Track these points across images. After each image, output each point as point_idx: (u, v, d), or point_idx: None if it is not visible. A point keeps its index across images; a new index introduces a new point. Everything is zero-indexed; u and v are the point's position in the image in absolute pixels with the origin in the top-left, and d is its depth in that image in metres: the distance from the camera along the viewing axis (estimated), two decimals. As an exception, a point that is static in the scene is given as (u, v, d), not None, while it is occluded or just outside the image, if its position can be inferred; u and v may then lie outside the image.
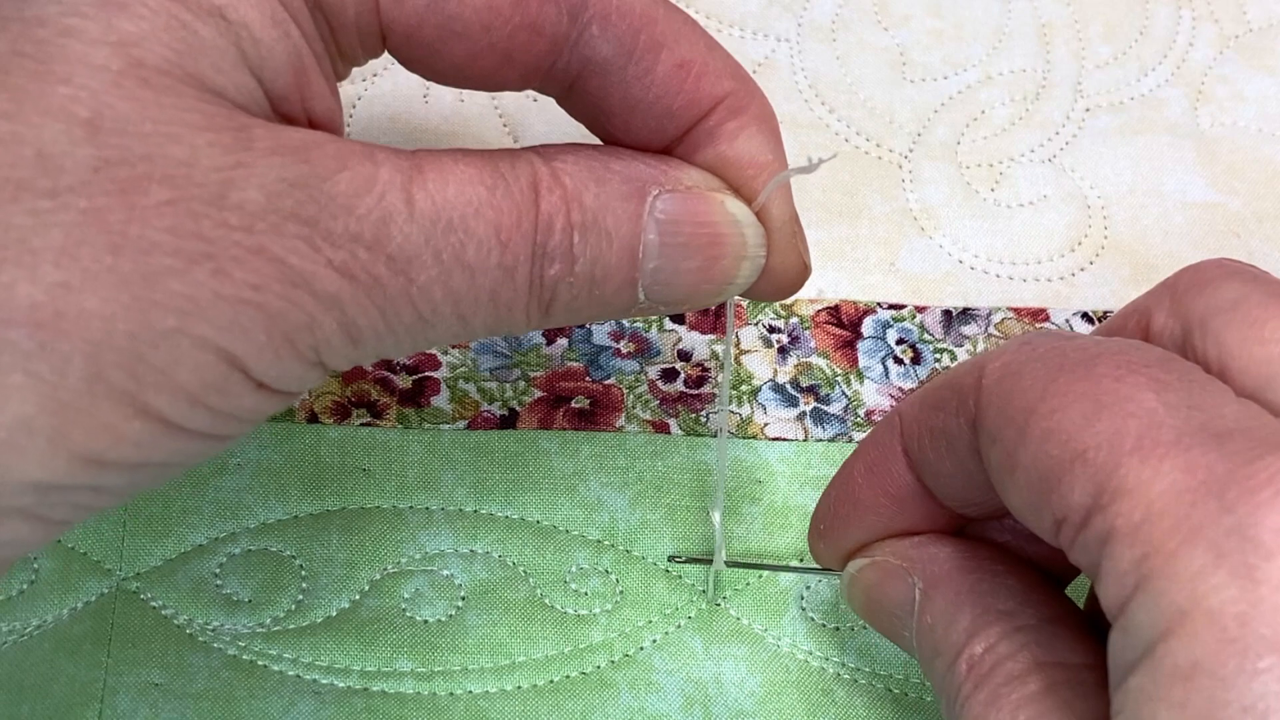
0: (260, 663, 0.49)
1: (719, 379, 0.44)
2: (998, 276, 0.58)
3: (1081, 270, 0.58)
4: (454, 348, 0.54)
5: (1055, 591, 0.42)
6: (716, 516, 0.48)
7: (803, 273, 0.42)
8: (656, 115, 0.40)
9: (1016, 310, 0.57)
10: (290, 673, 0.49)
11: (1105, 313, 0.56)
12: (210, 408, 0.35)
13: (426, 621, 0.50)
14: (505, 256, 0.36)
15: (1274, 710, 0.29)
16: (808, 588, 0.51)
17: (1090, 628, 0.40)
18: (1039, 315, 0.57)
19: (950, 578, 0.43)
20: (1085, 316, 0.57)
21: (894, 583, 0.44)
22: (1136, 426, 0.34)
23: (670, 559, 0.51)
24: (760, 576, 0.51)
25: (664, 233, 0.38)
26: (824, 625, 0.51)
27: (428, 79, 0.40)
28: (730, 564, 0.51)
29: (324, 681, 0.49)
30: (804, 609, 0.51)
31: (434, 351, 0.54)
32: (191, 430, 0.35)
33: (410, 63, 0.39)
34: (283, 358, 0.35)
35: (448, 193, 0.36)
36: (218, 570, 0.50)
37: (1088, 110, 0.62)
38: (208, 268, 0.33)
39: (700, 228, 0.39)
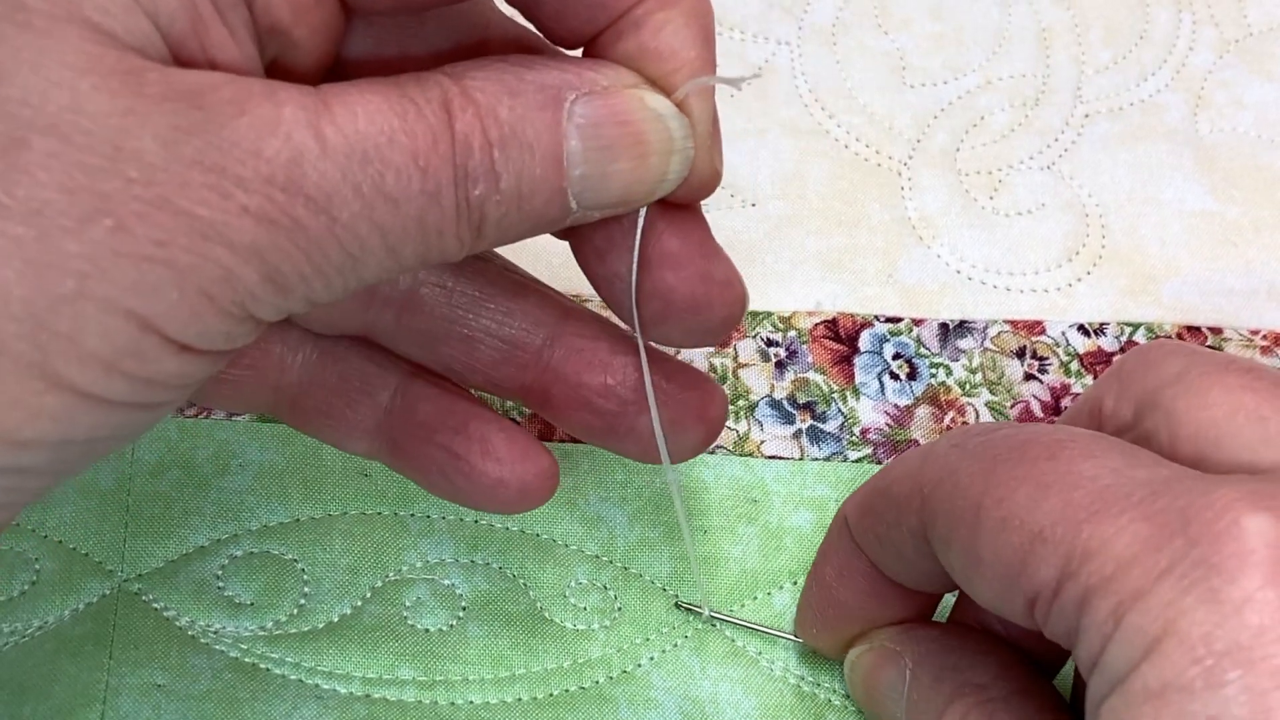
0: (263, 666, 0.49)
1: (639, 344, 0.43)
2: (995, 287, 0.58)
3: (1079, 280, 0.58)
4: None
5: (1029, 669, 0.44)
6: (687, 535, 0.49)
7: (713, 178, 0.40)
8: (588, 4, 0.38)
9: (1013, 323, 0.57)
10: (293, 677, 0.49)
11: (1101, 325, 0.57)
12: (128, 374, 0.33)
13: (428, 630, 0.50)
14: (427, 182, 0.35)
15: None
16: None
17: (1062, 703, 0.43)
18: (1035, 328, 0.57)
19: (933, 656, 0.44)
20: (1081, 329, 0.57)
21: (888, 665, 0.46)
22: (1084, 496, 0.35)
23: (676, 605, 0.51)
24: (755, 598, 0.51)
25: (586, 137, 0.37)
26: (815, 651, 0.50)
27: (383, 10, 0.39)
28: (718, 617, 0.51)
29: (326, 687, 0.49)
30: (797, 634, 0.51)
31: None
32: (113, 400, 0.33)
33: None
34: (202, 315, 0.33)
35: (358, 124, 0.34)
36: (219, 572, 0.50)
37: (1087, 116, 0.62)
38: (105, 224, 0.31)
39: (622, 127, 0.37)
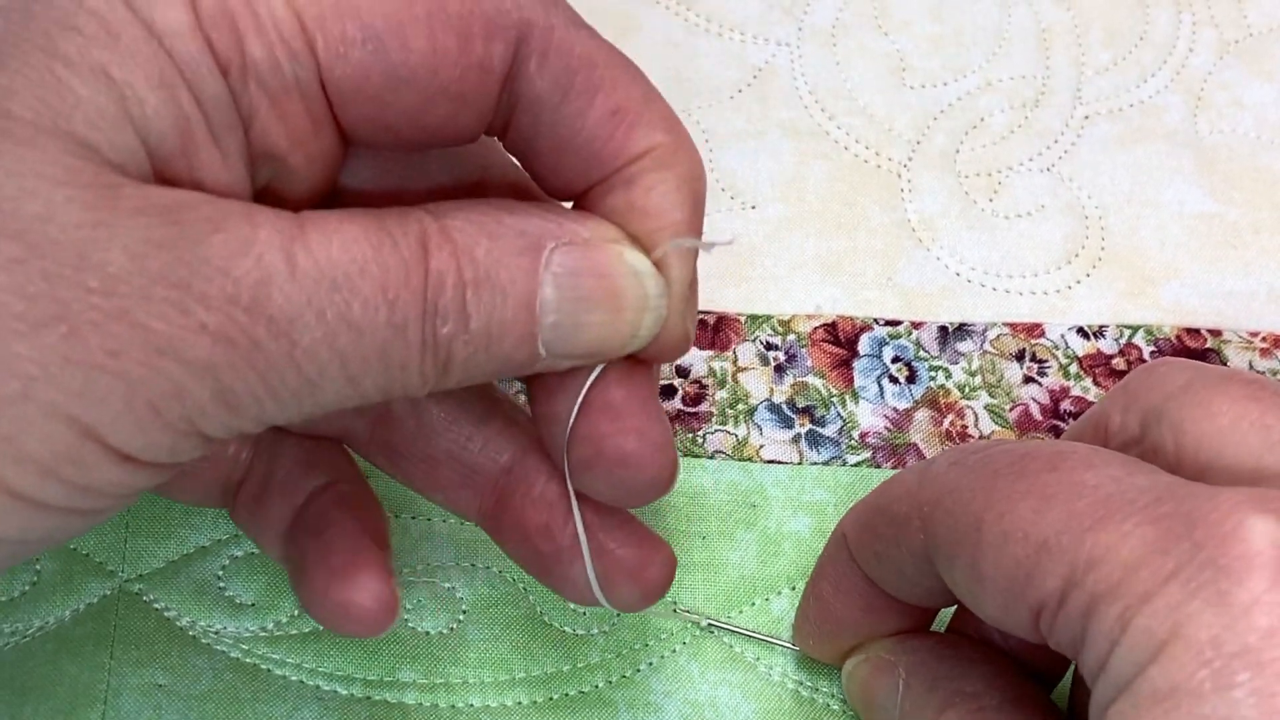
0: (264, 666, 0.50)
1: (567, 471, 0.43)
2: (994, 290, 0.58)
3: (1078, 283, 0.59)
4: None
5: (1022, 678, 0.45)
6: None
7: (683, 340, 0.40)
8: (584, 159, 0.38)
9: (1012, 326, 0.57)
10: (294, 678, 0.49)
11: (1101, 327, 0.57)
12: (65, 480, 0.33)
13: (429, 633, 0.50)
14: (394, 315, 0.35)
15: None
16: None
17: (1056, 712, 0.43)
18: (1034, 330, 0.57)
19: (926, 665, 0.45)
20: (1080, 331, 0.57)
21: (883, 676, 0.46)
22: (1086, 505, 0.35)
23: (674, 611, 0.51)
24: (753, 604, 0.51)
25: (562, 287, 0.37)
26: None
27: (382, 146, 0.39)
28: (716, 624, 0.51)
29: (327, 688, 0.49)
30: (795, 644, 0.51)
31: None
32: (47, 504, 0.33)
33: (360, 125, 0.37)
34: (147, 428, 0.33)
35: (331, 251, 0.34)
36: (220, 572, 0.50)
37: (1086, 118, 0.62)
38: (58, 331, 0.31)
39: (599, 280, 0.37)
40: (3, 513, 0.33)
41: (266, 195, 0.37)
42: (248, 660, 0.50)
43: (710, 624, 0.51)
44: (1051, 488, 0.36)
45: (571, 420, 0.39)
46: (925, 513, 0.40)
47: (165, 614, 0.50)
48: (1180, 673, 0.32)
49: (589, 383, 0.39)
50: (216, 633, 0.50)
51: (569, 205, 0.39)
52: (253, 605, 0.50)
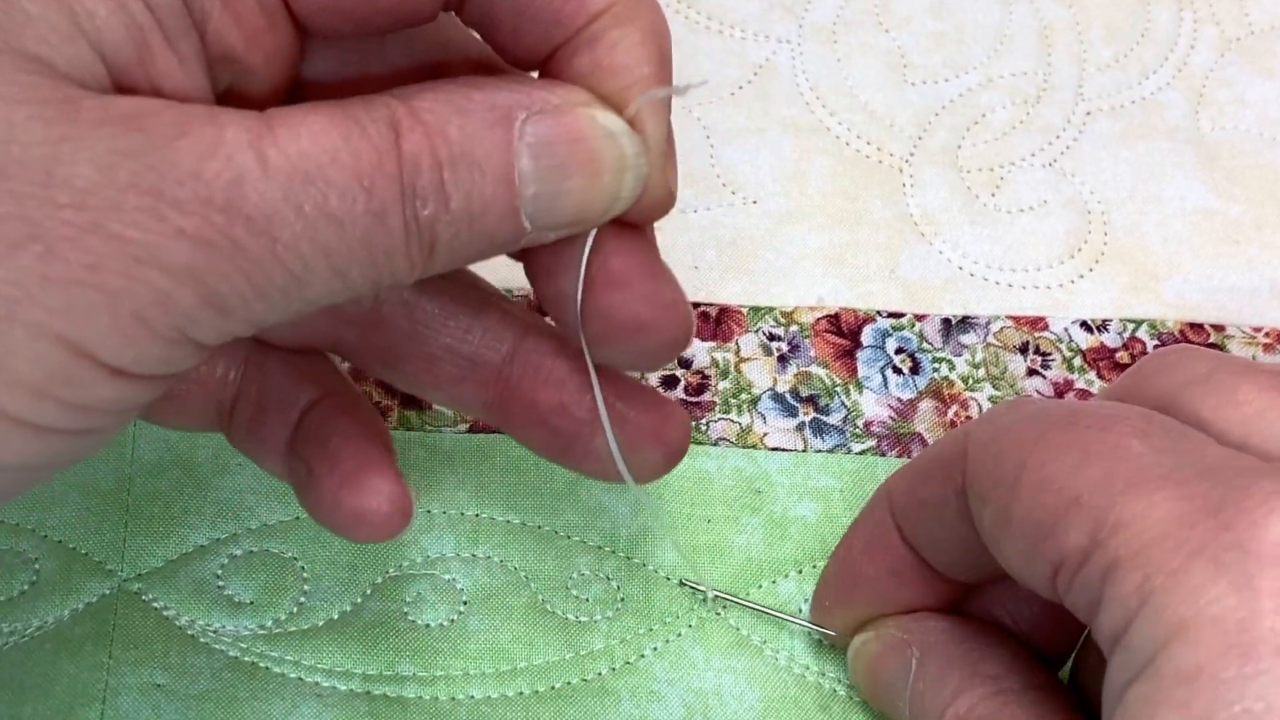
0: (262, 665, 0.49)
1: (583, 347, 0.43)
2: (997, 284, 0.58)
3: (1080, 278, 0.59)
4: None
5: (1041, 664, 0.44)
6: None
7: (667, 197, 0.40)
8: (543, 23, 0.38)
9: (1015, 319, 0.57)
10: (292, 675, 0.49)
11: (1104, 321, 0.57)
12: (60, 400, 0.33)
13: (429, 626, 0.50)
14: (372, 202, 0.34)
15: (1274, 709, 0.31)
16: (806, 601, 0.51)
17: (1073, 700, 0.42)
18: (1037, 324, 0.57)
19: (943, 646, 0.44)
20: (1084, 325, 0.57)
21: (894, 654, 0.46)
22: (1126, 469, 0.35)
23: (681, 582, 0.51)
24: (760, 586, 0.51)
25: (538, 156, 0.36)
26: (821, 641, 0.51)
27: (339, 34, 0.39)
28: (723, 597, 0.51)
29: (326, 684, 0.49)
30: (810, 615, 0.51)
31: None
32: (44, 427, 0.33)
33: (315, 14, 0.37)
34: (136, 339, 0.33)
35: (301, 144, 0.34)
36: (219, 571, 0.50)
37: (1088, 114, 0.62)
38: (34, 250, 0.31)
39: (574, 145, 0.37)
40: (7, 440, 0.33)
41: (229, 98, 0.37)
42: (246, 659, 0.49)
43: (716, 595, 0.51)
44: (1097, 445, 0.36)
45: (580, 291, 0.39)
46: (972, 451, 0.40)
47: (164, 613, 0.50)
48: (1205, 654, 0.32)
49: (586, 252, 0.38)
50: (215, 632, 0.50)
51: (535, 75, 0.39)
52: (251, 604, 0.50)
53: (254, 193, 0.33)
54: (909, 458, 0.54)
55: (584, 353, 0.41)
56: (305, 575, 0.51)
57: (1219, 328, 0.58)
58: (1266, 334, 0.58)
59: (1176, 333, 0.57)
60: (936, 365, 0.56)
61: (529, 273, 0.41)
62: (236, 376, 0.45)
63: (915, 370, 0.56)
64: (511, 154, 0.36)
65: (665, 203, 0.40)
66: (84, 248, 0.32)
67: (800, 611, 0.51)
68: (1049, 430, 0.37)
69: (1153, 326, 0.58)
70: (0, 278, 0.31)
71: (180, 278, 0.32)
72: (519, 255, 0.40)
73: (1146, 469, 0.35)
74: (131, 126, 0.32)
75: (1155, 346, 0.57)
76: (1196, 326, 0.58)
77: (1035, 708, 0.41)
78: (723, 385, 0.55)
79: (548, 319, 0.43)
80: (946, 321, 0.57)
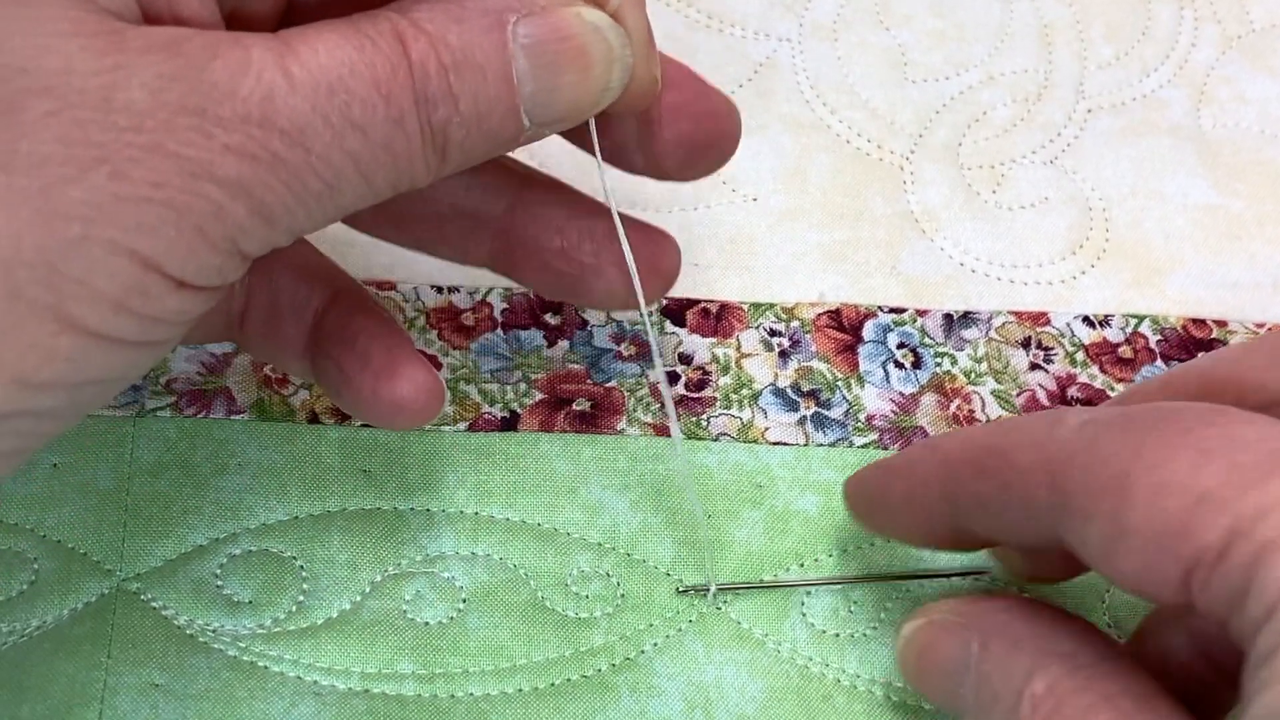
0: (261, 664, 0.49)
1: (624, 249, 0.46)
2: (999, 279, 0.58)
3: (1083, 273, 0.59)
4: (454, 349, 0.55)
5: (1109, 637, 0.43)
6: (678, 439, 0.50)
7: (652, 85, 0.43)
8: None
9: (1017, 314, 0.57)
10: (291, 674, 0.49)
11: (1107, 316, 0.57)
12: (135, 312, 0.35)
13: (428, 624, 0.50)
14: (390, 109, 0.37)
15: None
16: (808, 594, 0.51)
17: (1146, 673, 0.42)
18: (1040, 319, 0.57)
19: (1007, 626, 0.44)
20: (1086, 320, 0.57)
21: (951, 639, 0.45)
22: (1251, 459, 0.35)
23: (678, 591, 0.51)
24: (761, 579, 0.51)
25: (531, 55, 0.39)
26: (824, 631, 0.51)
27: None
28: (723, 588, 0.51)
29: (325, 683, 0.49)
30: (804, 615, 0.51)
31: (434, 353, 0.55)
32: (120, 339, 0.36)
33: None
34: (197, 251, 0.36)
35: (320, 59, 0.36)
36: (218, 571, 0.50)
37: (1089, 111, 0.63)
38: (104, 171, 0.34)
39: (564, 43, 0.39)
40: (85, 353, 0.35)
41: (234, 23, 0.40)
42: (245, 658, 0.49)
43: (720, 589, 0.51)
44: (1210, 441, 0.36)
45: (599, 160, 0.44)
46: (1055, 469, 0.39)
47: (163, 613, 0.50)
48: None
49: (594, 133, 0.43)
50: (214, 631, 0.50)
51: None
52: (250, 603, 0.50)
53: (285, 107, 0.36)
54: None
55: (606, 195, 0.45)
56: (304, 574, 0.51)
57: (1221, 323, 0.58)
58: (1270, 329, 0.58)
59: (1179, 328, 0.57)
60: (939, 360, 0.56)
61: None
62: (243, 286, 0.47)
63: (917, 365, 0.56)
64: (508, 55, 0.38)
65: (651, 90, 0.43)
66: (148, 166, 0.34)
67: (802, 604, 0.51)
68: (1148, 435, 0.37)
69: (1155, 322, 0.58)
70: (76, 199, 0.33)
71: (232, 190, 0.35)
72: None
73: (1275, 455, 0.35)
74: (172, 52, 0.35)
75: (1158, 342, 0.57)
76: (1199, 322, 0.58)
77: (1116, 679, 0.41)
78: (724, 381, 0.55)
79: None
80: (948, 316, 0.57)
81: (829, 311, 0.57)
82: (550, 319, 0.56)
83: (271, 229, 0.37)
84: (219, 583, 0.50)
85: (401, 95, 0.37)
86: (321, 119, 0.36)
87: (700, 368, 0.56)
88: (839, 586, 0.52)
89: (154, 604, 0.50)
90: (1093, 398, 0.56)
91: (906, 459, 0.47)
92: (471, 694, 0.49)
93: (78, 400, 0.37)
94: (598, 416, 0.54)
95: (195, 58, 0.35)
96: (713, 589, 0.51)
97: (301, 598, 0.50)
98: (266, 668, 0.49)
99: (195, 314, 0.38)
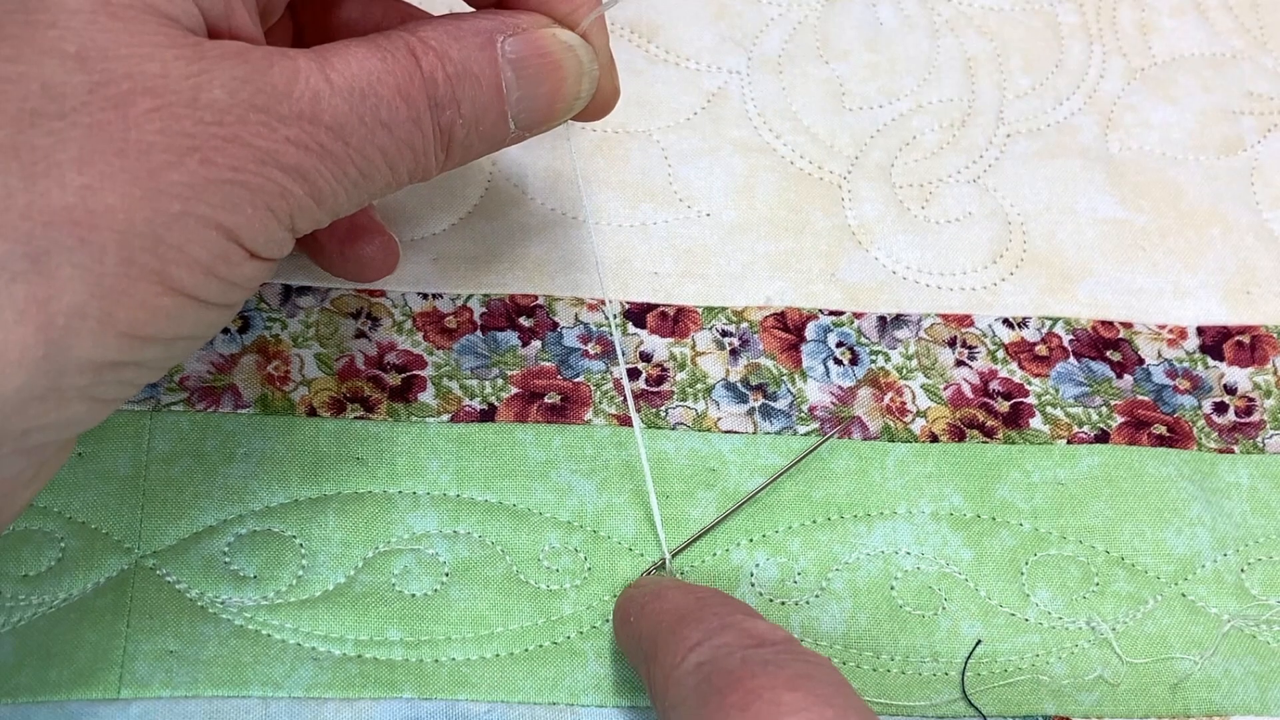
0: (264, 632, 0.51)
1: (592, 245, 0.50)
2: (927, 286, 0.60)
3: (1003, 280, 0.61)
4: (438, 349, 0.56)
5: None
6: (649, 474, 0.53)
7: (614, 94, 0.48)
8: None
9: (944, 316, 0.60)
10: (291, 641, 0.51)
11: (1024, 318, 0.60)
12: (220, 277, 0.40)
13: (414, 595, 0.52)
14: (410, 110, 0.42)
15: None
16: (757, 565, 0.53)
17: None
18: (964, 320, 0.60)
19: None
20: (1006, 322, 0.60)
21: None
22: None
23: (646, 574, 0.53)
24: (714, 554, 0.54)
25: (517, 68, 0.44)
26: (771, 600, 0.53)
27: None
28: (676, 552, 0.54)
29: (322, 649, 0.51)
30: (753, 585, 0.53)
31: (420, 353, 0.56)
32: (208, 301, 0.40)
33: None
34: (268, 226, 0.40)
35: (352, 69, 0.41)
36: (226, 549, 0.52)
37: (1008, 136, 0.64)
38: (196, 157, 0.38)
39: (544, 58, 0.44)
40: (183, 312, 0.39)
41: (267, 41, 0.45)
42: (250, 627, 0.51)
43: (673, 553, 0.53)
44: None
45: (578, 174, 0.53)
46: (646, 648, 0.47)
47: (176, 586, 0.51)
48: None
49: (570, 140, 0.48)
50: (222, 602, 0.51)
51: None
52: (255, 577, 0.52)
53: (329, 107, 0.40)
54: (849, 438, 0.56)
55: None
56: (303, 552, 0.52)
57: (1127, 324, 0.60)
58: (1170, 330, 0.60)
59: (1089, 329, 0.60)
60: (874, 357, 0.58)
61: None
62: None
63: (854, 361, 0.58)
64: (498, 68, 0.43)
65: (613, 99, 0.49)
66: (229, 154, 0.38)
67: (751, 575, 0.53)
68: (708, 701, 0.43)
69: (1068, 323, 0.60)
70: (176, 180, 0.37)
71: (292, 175, 0.40)
72: None
73: None
74: (240, 60, 0.39)
75: (1070, 341, 0.59)
76: (1107, 324, 0.60)
77: None
78: (680, 376, 0.57)
79: None
80: (882, 319, 0.59)
81: (775, 314, 0.59)
82: (524, 321, 0.58)
83: (320, 209, 0.41)
84: (227, 559, 0.52)
85: (418, 99, 0.42)
86: (357, 118, 0.41)
87: (659, 365, 0.57)
88: (783, 561, 0.53)
89: (168, 578, 0.51)
90: (1012, 391, 0.58)
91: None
92: (454, 659, 0.51)
93: (170, 353, 0.40)
94: (567, 408, 0.56)
95: (259, 65, 0.39)
96: (668, 556, 0.53)
97: (301, 572, 0.52)
98: (269, 635, 0.51)
99: (259, 282, 0.42)
